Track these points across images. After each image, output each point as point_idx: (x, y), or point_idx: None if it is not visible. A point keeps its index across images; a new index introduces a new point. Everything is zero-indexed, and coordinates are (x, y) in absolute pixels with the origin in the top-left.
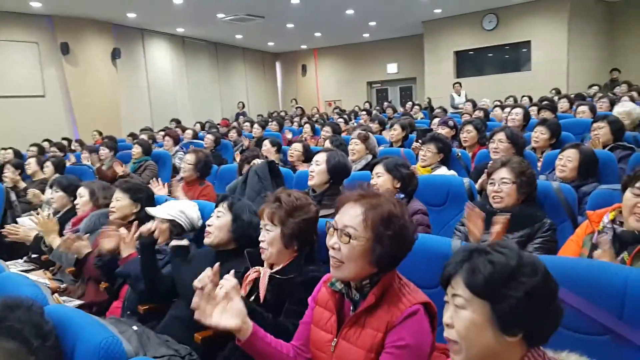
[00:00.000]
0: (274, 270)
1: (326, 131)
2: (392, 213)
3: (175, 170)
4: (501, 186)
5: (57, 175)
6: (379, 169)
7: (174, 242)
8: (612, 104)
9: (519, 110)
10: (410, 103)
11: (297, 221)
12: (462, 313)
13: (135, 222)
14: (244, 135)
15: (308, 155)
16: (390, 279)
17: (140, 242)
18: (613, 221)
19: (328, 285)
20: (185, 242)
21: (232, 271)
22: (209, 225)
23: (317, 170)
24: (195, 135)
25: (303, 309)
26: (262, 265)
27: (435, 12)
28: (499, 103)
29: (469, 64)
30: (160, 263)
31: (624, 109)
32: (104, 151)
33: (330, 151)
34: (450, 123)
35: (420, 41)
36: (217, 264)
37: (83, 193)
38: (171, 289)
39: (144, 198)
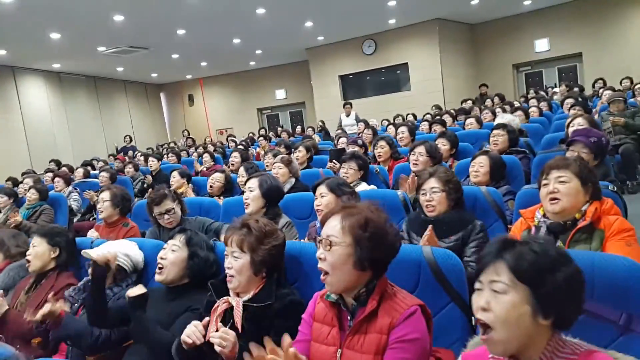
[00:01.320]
0: (245, 299)
1: (234, 157)
2: (369, 218)
3: (72, 213)
4: (432, 195)
5: None
6: (323, 189)
7: (131, 292)
8: (494, 114)
9: (403, 128)
10: (299, 127)
11: (267, 248)
12: (503, 297)
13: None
14: (140, 171)
15: (229, 186)
16: (384, 285)
17: (93, 272)
18: (544, 216)
19: (325, 298)
20: (141, 289)
21: (206, 319)
22: (162, 259)
23: (251, 197)
24: (87, 174)
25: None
26: (227, 295)
27: (318, 39)
28: (387, 122)
29: (353, 86)
30: None
31: (504, 120)
32: (2, 199)
33: (261, 176)
34: (359, 142)
35: (306, 67)
36: (206, 319)
37: None
38: (118, 322)
39: (64, 242)
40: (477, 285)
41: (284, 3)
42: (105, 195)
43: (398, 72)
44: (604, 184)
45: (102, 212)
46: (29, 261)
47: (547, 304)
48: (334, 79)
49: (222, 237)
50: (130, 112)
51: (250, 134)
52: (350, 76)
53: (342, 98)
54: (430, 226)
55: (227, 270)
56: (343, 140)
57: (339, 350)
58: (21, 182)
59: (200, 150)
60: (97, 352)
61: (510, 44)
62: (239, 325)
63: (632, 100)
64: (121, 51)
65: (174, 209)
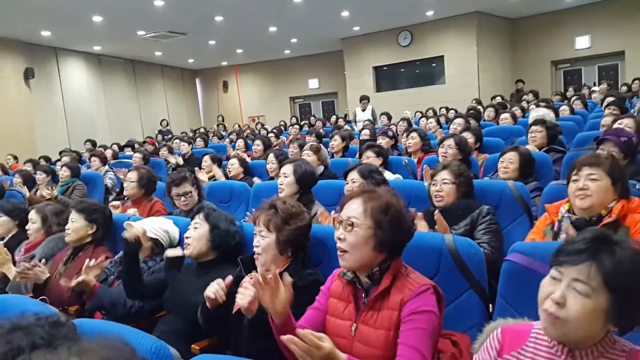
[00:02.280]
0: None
1: (257, 145)
2: (390, 202)
3: (107, 191)
4: (442, 186)
5: None
6: (354, 175)
7: (169, 253)
8: (523, 111)
9: (432, 120)
10: (334, 117)
11: (292, 228)
12: (584, 300)
13: (103, 257)
14: (176, 153)
15: (246, 169)
16: (398, 265)
17: (125, 248)
18: (568, 211)
19: (341, 275)
20: (179, 251)
21: (230, 277)
22: (187, 237)
23: (286, 182)
24: (116, 155)
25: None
26: (256, 272)
27: (354, 30)
28: (420, 114)
29: (387, 78)
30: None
31: (538, 113)
32: (41, 176)
33: (296, 161)
34: (390, 133)
35: (340, 57)
36: (229, 277)
37: (35, 219)
38: (151, 296)
39: (100, 218)
40: (554, 273)
41: None
42: (133, 175)
43: (433, 64)
44: (632, 182)
45: (127, 190)
46: (67, 234)
47: (624, 314)
48: (368, 70)
49: None
50: (166, 96)
51: (282, 122)
52: (385, 67)
53: (375, 89)
54: (437, 211)
55: (255, 249)
56: (366, 132)
57: (354, 324)
58: (59, 160)
59: (234, 136)
60: (130, 321)
61: (549, 40)
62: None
63: None
64: (160, 36)
65: (191, 192)
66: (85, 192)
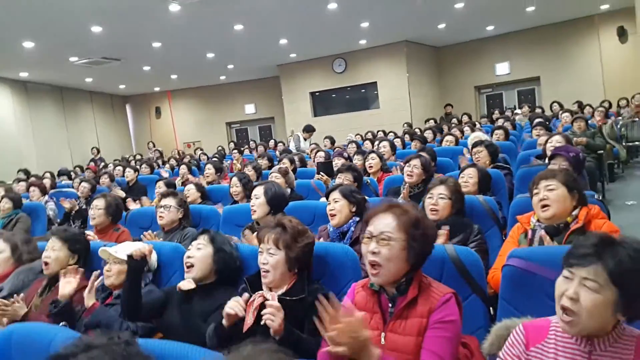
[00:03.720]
0: (279, 292)
1: (209, 168)
2: (418, 217)
3: (50, 222)
4: (438, 201)
5: None
6: (336, 195)
7: (182, 286)
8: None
9: (385, 143)
10: (272, 141)
11: (301, 245)
12: (594, 295)
13: (96, 272)
14: (116, 182)
15: (203, 193)
16: (420, 276)
17: (130, 264)
18: (538, 221)
19: (368, 286)
20: (192, 284)
21: (246, 295)
22: (189, 257)
23: (257, 204)
24: (54, 185)
25: None
26: (259, 290)
27: (290, 56)
28: (361, 137)
29: (323, 103)
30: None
31: (475, 134)
32: None
33: (266, 184)
34: (345, 154)
35: (276, 82)
36: (245, 294)
37: (3, 248)
38: (151, 316)
39: (82, 249)
40: (566, 274)
41: (261, 20)
42: (100, 203)
43: (367, 90)
44: (589, 193)
45: (94, 219)
46: (46, 264)
47: (631, 304)
48: (305, 95)
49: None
50: (95, 124)
51: (220, 148)
52: (321, 93)
53: (312, 114)
54: (447, 227)
55: (262, 266)
56: (321, 154)
57: (383, 333)
58: None
59: (172, 162)
60: None
61: (472, 67)
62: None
63: (591, 122)
64: (93, 62)
65: (171, 206)
66: (30, 224)
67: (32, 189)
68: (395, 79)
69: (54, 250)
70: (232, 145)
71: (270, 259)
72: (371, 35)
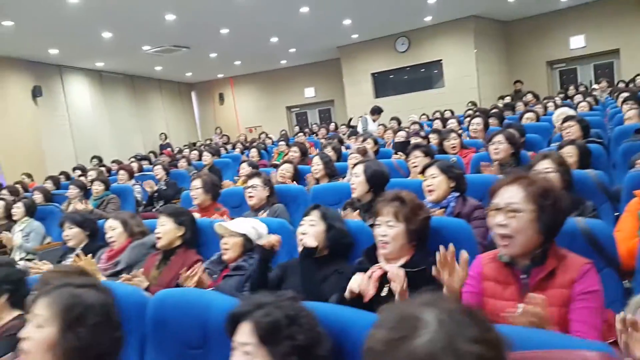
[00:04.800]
0: (399, 264)
1: (294, 150)
2: (547, 187)
3: (138, 203)
4: (545, 175)
5: (27, 217)
6: (434, 170)
7: (307, 243)
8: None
9: (478, 120)
10: (333, 124)
11: (420, 218)
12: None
13: (199, 263)
14: (193, 165)
15: (296, 173)
16: (555, 246)
17: (261, 254)
18: None
19: (498, 259)
20: (314, 242)
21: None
22: (302, 234)
23: (357, 182)
24: (140, 168)
25: None
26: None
27: (351, 37)
28: (426, 117)
29: (385, 83)
30: (240, 279)
31: (561, 111)
32: (74, 190)
33: (366, 162)
34: (422, 133)
35: (336, 65)
36: (378, 270)
37: (115, 225)
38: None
39: (188, 221)
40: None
41: (327, 1)
42: (197, 182)
43: (431, 69)
44: None
45: (195, 198)
46: (159, 238)
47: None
48: (366, 77)
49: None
50: (164, 111)
51: (283, 131)
52: (382, 73)
53: (374, 95)
54: None
55: (380, 238)
56: (402, 134)
57: (520, 305)
58: (82, 175)
59: (240, 147)
60: None
61: (544, 41)
62: (398, 288)
63: None
64: (164, 50)
65: (258, 186)
66: (119, 205)
67: (120, 172)
68: (461, 56)
69: (163, 226)
70: (296, 128)
71: (389, 231)
72: (437, 11)
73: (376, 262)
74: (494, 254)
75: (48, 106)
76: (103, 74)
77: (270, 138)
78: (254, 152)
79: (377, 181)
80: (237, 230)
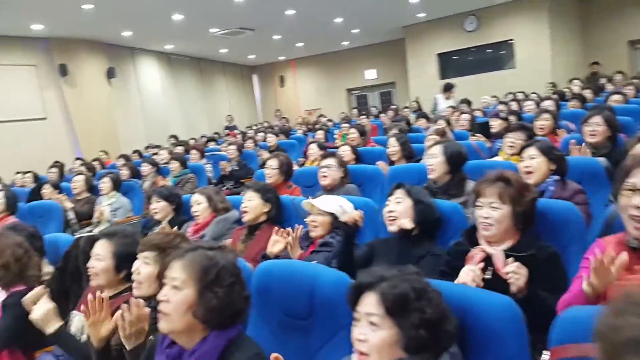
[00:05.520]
0: (504, 247)
1: (353, 132)
2: None
3: (208, 182)
4: None
5: (114, 192)
6: (533, 151)
7: (404, 225)
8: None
9: (549, 102)
10: (394, 107)
11: (528, 200)
12: None
13: (300, 226)
14: (259, 146)
15: (357, 156)
16: None
17: (345, 230)
18: None
19: (625, 243)
20: (410, 224)
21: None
22: (391, 212)
23: (435, 163)
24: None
25: (560, 283)
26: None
27: (417, 17)
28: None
29: (452, 65)
30: (328, 255)
31: None
32: (147, 167)
33: (445, 142)
34: (502, 115)
35: (399, 45)
36: (480, 253)
37: (200, 200)
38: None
39: (273, 198)
40: None
41: None
42: (274, 162)
43: (501, 49)
44: None
45: (270, 177)
46: (245, 212)
47: None
48: (431, 58)
49: None
50: (228, 93)
51: (343, 114)
52: (449, 54)
53: (439, 77)
54: None
55: (483, 220)
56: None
57: None
58: (155, 154)
59: (304, 128)
60: None
61: (626, 19)
62: (501, 272)
63: None
64: (230, 32)
65: (332, 166)
66: (196, 184)
67: (193, 151)
68: (534, 36)
69: (250, 201)
70: (355, 111)
71: (493, 213)
72: None
73: (476, 244)
74: (618, 238)
75: (121, 87)
76: (172, 57)
77: (331, 120)
78: (320, 134)
79: (456, 161)
80: (325, 209)
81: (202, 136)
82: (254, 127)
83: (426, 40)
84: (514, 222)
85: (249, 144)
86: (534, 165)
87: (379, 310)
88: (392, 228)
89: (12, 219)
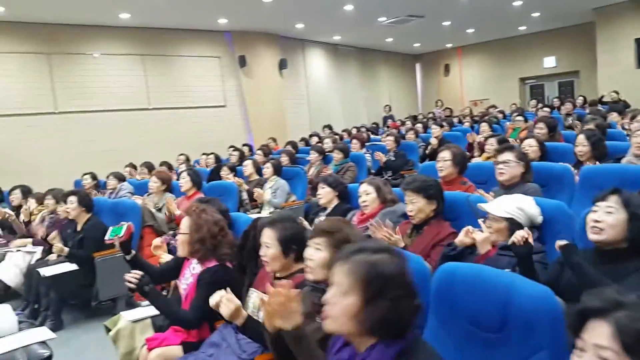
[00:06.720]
0: None
1: (540, 127)
2: None
3: (368, 171)
4: None
5: (274, 176)
6: None
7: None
8: None
9: None
10: (580, 98)
11: None
12: None
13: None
14: (420, 137)
15: (543, 153)
16: None
17: (516, 251)
18: None
19: None
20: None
21: None
22: (597, 222)
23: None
24: (368, 138)
25: None
26: None
27: None
28: None
29: None
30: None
31: None
32: (314, 155)
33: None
34: None
35: (586, 30)
36: None
37: (369, 190)
38: None
39: (436, 193)
40: None
41: None
42: (446, 154)
43: None
44: None
45: (442, 170)
46: (411, 217)
47: None
48: (628, 43)
49: None
50: (388, 83)
51: (513, 105)
52: None
53: (637, 65)
54: None
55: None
56: None
57: None
58: (319, 142)
59: (469, 120)
60: None
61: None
62: None
63: None
64: (399, 21)
65: (511, 161)
66: (356, 173)
67: (354, 141)
68: None
69: (414, 203)
70: (533, 102)
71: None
72: None
73: None
74: None
75: (290, 77)
76: (339, 47)
77: (502, 112)
78: (484, 126)
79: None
80: (499, 214)
81: (362, 126)
82: (419, 117)
83: (622, 24)
84: None
85: (410, 135)
86: None
87: (614, 345)
88: (595, 237)
89: (200, 195)
